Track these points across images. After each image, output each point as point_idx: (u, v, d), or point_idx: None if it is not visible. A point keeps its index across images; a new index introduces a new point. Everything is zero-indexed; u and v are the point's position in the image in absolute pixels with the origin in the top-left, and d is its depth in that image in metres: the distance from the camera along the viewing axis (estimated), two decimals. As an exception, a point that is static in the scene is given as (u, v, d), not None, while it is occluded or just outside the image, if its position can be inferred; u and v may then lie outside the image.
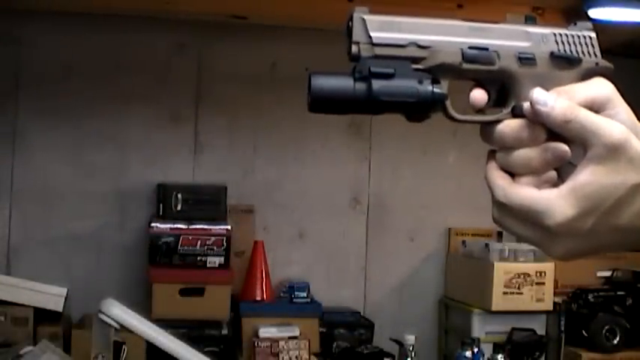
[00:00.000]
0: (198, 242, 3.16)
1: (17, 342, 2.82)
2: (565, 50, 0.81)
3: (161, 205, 3.23)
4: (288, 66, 3.49)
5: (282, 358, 3.13)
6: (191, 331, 3.00)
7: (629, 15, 2.97)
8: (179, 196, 3.21)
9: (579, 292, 3.41)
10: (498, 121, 0.78)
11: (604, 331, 3.30)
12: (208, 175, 3.48)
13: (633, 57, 3.60)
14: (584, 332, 3.31)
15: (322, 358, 3.26)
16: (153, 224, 3.18)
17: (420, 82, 0.78)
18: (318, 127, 3.54)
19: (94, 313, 2.36)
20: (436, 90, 0.78)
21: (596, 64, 0.81)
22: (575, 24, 0.83)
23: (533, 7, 2.95)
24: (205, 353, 2.38)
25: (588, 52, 0.81)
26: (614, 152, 0.73)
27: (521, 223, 0.76)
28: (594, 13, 2.89)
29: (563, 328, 3.34)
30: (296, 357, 3.15)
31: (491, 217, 0.80)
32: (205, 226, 3.18)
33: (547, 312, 3.38)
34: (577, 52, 0.81)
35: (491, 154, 0.79)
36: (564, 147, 0.76)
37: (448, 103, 0.79)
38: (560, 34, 0.81)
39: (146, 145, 3.46)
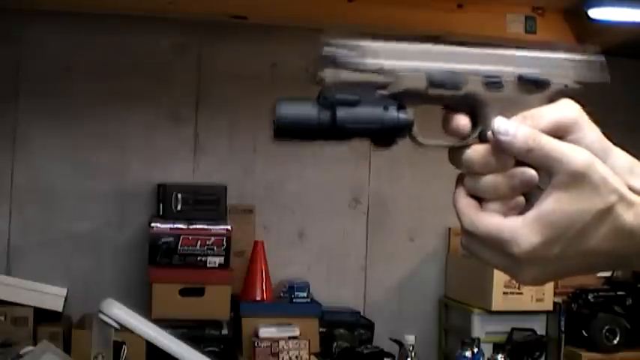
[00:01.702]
0: (198, 242, 3.16)
1: (17, 342, 2.82)
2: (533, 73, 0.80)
3: (161, 205, 3.23)
4: (288, 66, 3.49)
5: (282, 358, 3.13)
6: (191, 331, 2.99)
7: (629, 15, 2.97)
8: (179, 196, 3.21)
9: (579, 292, 3.41)
10: (466, 146, 0.77)
11: (604, 331, 3.30)
12: (208, 175, 3.48)
13: (633, 57, 3.60)
14: (584, 332, 3.31)
15: (322, 358, 3.25)
16: (153, 224, 3.18)
17: (386, 108, 0.77)
18: (318, 127, 3.53)
19: (94, 313, 2.36)
20: (402, 116, 0.77)
21: (565, 85, 0.80)
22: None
23: (534, 7, 2.94)
24: (205, 353, 2.37)
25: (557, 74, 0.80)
26: (578, 179, 0.72)
27: (489, 251, 0.76)
28: (594, 13, 2.89)
29: (563, 328, 3.34)
30: (296, 357, 3.15)
31: None
32: (205, 226, 3.18)
33: (547, 312, 3.38)
34: (545, 74, 0.80)
35: (461, 179, 0.78)
36: (531, 172, 0.75)
37: (415, 128, 0.79)
38: (529, 57, 0.80)
39: (146, 145, 3.46)
